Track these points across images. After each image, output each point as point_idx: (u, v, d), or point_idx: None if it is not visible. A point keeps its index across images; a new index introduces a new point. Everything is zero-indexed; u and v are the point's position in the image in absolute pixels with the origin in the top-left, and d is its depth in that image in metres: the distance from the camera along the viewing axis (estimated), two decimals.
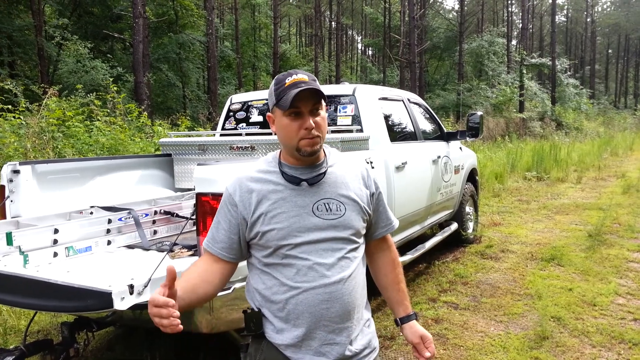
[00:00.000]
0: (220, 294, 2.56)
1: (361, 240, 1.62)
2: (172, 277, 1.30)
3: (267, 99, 1.58)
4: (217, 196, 2.45)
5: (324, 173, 1.55)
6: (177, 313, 1.30)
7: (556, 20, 34.53)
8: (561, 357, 3.41)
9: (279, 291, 1.50)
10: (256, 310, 1.56)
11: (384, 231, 1.74)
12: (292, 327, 1.50)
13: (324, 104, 1.52)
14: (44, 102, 7.96)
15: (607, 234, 6.66)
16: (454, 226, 5.80)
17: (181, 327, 1.30)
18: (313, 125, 1.46)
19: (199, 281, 1.52)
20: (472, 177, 6.53)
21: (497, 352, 3.51)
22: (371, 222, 1.68)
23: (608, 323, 3.94)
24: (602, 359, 3.39)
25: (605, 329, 3.81)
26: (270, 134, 3.97)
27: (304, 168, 1.54)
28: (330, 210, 1.52)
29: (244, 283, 1.71)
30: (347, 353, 1.52)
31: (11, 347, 2.83)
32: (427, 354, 1.69)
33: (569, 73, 35.32)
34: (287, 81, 1.46)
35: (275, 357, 1.53)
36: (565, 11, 58.56)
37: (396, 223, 1.77)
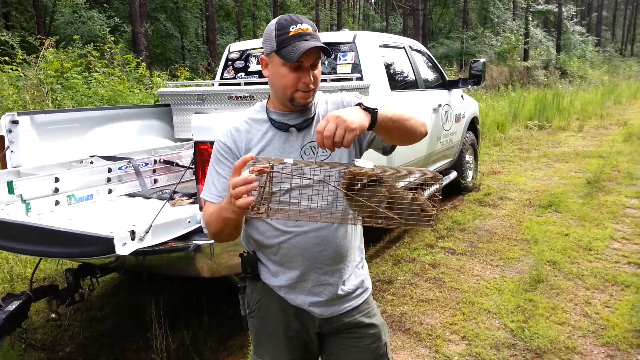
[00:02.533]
0: None
1: None
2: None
3: None
4: None
5: (313, 117, 1.54)
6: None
7: None
8: (555, 299, 3.51)
9: (272, 235, 1.52)
10: (251, 253, 1.59)
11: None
12: (286, 270, 1.54)
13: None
14: (41, 53, 7.87)
15: (605, 181, 6.69)
16: (454, 174, 5.83)
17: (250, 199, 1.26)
18: (312, 80, 1.45)
19: None
20: (473, 126, 6.50)
21: (492, 294, 3.61)
22: (372, 140, 1.58)
23: (602, 266, 4.02)
24: (594, 300, 3.49)
25: (599, 272, 3.90)
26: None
27: (292, 114, 1.53)
28: (317, 152, 1.52)
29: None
30: (340, 292, 1.56)
31: (18, 292, 2.92)
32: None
33: (575, 20, 34.43)
34: (291, 30, 1.41)
35: (269, 298, 1.58)
36: None
37: None
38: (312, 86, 1.46)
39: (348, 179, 1.29)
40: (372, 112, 1.33)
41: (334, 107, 1.60)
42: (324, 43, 1.45)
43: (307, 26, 1.44)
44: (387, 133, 1.45)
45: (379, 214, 1.30)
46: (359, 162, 1.30)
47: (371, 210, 1.30)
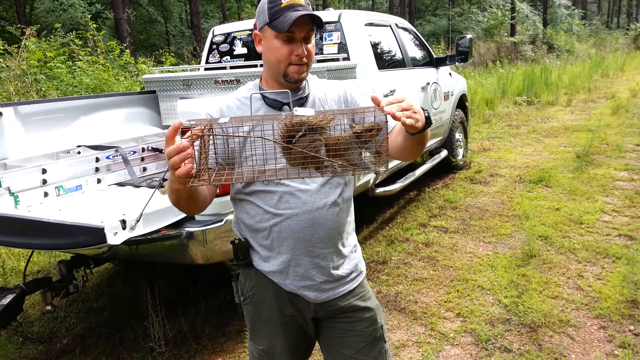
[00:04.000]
0: (213, 226, 2.63)
1: None
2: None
3: (250, 30, 1.51)
4: None
5: (306, 97, 1.52)
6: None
7: None
8: (547, 273, 3.54)
9: (263, 219, 1.50)
10: (243, 240, 1.57)
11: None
12: (277, 254, 1.52)
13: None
14: (23, 43, 7.72)
15: (594, 154, 6.73)
16: (444, 153, 5.83)
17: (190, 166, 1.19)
18: (306, 52, 1.44)
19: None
20: (461, 103, 6.49)
21: (485, 270, 3.63)
22: None
23: (594, 239, 4.06)
24: (587, 273, 3.52)
25: (590, 245, 3.94)
26: (255, 66, 3.89)
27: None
28: None
29: None
30: (334, 276, 1.55)
31: (12, 286, 2.90)
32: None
33: None
34: (283, 1, 1.41)
35: (263, 284, 1.57)
36: None
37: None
38: (305, 59, 1.45)
39: (287, 130, 1.22)
40: (427, 124, 1.29)
41: (335, 98, 1.58)
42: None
43: None
44: (411, 145, 1.39)
45: (322, 163, 1.21)
46: (298, 110, 1.25)
47: (316, 161, 1.21)
